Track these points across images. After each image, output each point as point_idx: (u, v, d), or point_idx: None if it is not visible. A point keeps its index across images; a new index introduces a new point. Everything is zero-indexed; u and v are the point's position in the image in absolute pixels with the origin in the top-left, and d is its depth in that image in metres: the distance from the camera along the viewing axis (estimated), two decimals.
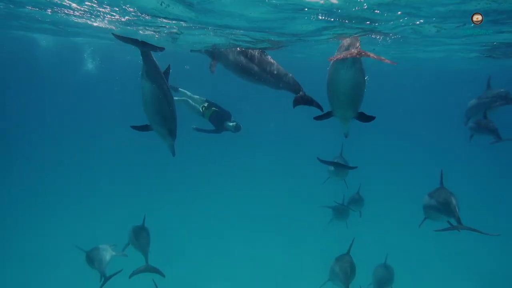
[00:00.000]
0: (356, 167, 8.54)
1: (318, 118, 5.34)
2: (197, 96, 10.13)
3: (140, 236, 7.32)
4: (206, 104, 9.90)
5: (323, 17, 7.42)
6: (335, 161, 9.55)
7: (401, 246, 13.95)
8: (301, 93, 6.54)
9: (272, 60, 6.85)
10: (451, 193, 6.50)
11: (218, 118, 9.82)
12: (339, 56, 4.54)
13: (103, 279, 7.11)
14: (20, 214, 16.62)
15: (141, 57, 5.27)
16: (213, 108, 9.86)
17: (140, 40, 4.96)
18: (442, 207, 6.33)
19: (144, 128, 5.71)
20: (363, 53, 4.42)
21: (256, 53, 6.91)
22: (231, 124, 9.78)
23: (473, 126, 9.48)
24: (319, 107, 6.15)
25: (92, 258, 7.41)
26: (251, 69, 6.77)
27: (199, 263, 13.79)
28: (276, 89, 6.85)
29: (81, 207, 17.87)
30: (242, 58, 6.89)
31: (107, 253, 7.56)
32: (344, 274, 6.51)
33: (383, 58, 4.38)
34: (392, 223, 16.83)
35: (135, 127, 5.79)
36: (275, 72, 6.71)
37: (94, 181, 20.96)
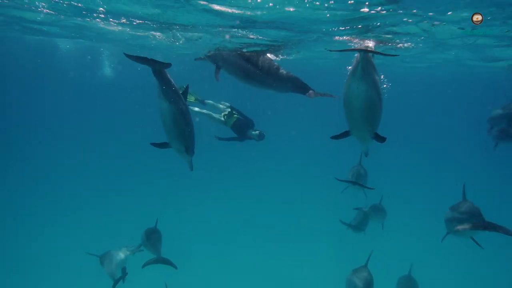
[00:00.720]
0: (373, 188, 8.38)
1: (335, 137, 5.11)
2: (221, 106, 10.03)
3: (152, 237, 7.48)
4: (227, 112, 9.80)
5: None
6: (354, 169, 9.35)
7: (421, 259, 13.51)
8: (310, 91, 6.52)
9: (276, 64, 6.81)
10: (475, 206, 6.30)
11: (241, 126, 9.71)
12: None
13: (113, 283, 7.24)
14: (29, 215, 16.86)
15: (155, 77, 5.32)
16: (235, 116, 9.76)
17: (149, 58, 4.96)
18: (465, 221, 6.06)
19: (163, 145, 5.83)
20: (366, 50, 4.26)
21: (260, 57, 6.86)
22: (254, 132, 9.67)
23: (497, 134, 9.33)
24: (331, 95, 6.22)
25: (103, 262, 7.67)
26: (255, 74, 6.71)
27: (206, 268, 13.77)
28: (283, 92, 6.80)
29: (87, 211, 17.94)
30: (245, 63, 6.82)
31: (118, 256, 7.76)
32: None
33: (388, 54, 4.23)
34: (410, 235, 16.38)
35: (154, 144, 5.90)
36: (280, 75, 6.66)
37: (101, 185, 21.01)
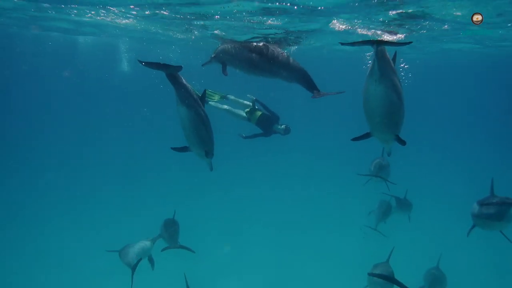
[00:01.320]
0: (395, 183, 8.19)
1: (356, 139, 4.98)
2: (245, 102, 9.97)
3: (170, 229, 7.65)
4: (249, 109, 9.75)
5: None
6: (376, 161, 9.25)
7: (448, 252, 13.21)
8: (315, 91, 6.44)
9: (283, 52, 6.78)
10: (503, 201, 6.09)
11: (266, 121, 9.65)
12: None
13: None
14: (31, 213, 17.09)
15: (170, 82, 5.43)
16: (259, 112, 9.71)
17: (162, 63, 5.08)
18: (494, 217, 6.01)
19: (183, 149, 6.01)
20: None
21: (265, 46, 6.84)
22: (280, 127, 9.65)
23: None
24: (338, 92, 6.12)
25: (122, 255, 7.79)
26: (262, 62, 6.65)
27: (221, 260, 13.90)
28: (290, 81, 6.71)
29: (92, 208, 18.06)
30: (251, 53, 6.78)
31: (137, 247, 7.88)
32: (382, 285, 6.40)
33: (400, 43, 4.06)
34: (436, 228, 16.02)
35: (175, 149, 6.11)
36: (288, 63, 6.61)
37: (112, 181, 21.13)
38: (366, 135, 4.83)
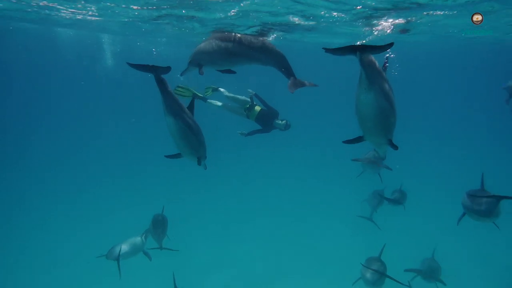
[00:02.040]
0: (391, 169, 8.19)
1: (348, 142, 4.98)
2: (242, 97, 9.73)
3: (157, 229, 7.84)
4: (248, 105, 9.56)
5: None
6: (371, 152, 9.33)
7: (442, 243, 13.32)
8: (292, 78, 6.31)
9: (259, 37, 6.86)
10: (492, 197, 6.22)
11: (266, 117, 9.49)
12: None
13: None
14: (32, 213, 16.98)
15: (160, 93, 5.45)
16: (258, 107, 9.54)
17: (151, 65, 5.13)
18: (483, 214, 6.20)
19: (176, 156, 6.10)
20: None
21: (239, 34, 6.79)
22: (281, 122, 9.50)
23: None
24: (313, 85, 6.13)
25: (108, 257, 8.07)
26: (239, 49, 6.57)
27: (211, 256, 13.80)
28: (269, 65, 6.60)
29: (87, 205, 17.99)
30: (226, 43, 6.67)
31: (122, 246, 8.18)
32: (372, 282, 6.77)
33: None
34: (430, 218, 16.12)
35: (168, 156, 6.20)
36: (265, 46, 6.56)
37: (106, 178, 21.07)
38: (359, 139, 4.85)
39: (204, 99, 9.42)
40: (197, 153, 5.84)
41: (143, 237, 8.59)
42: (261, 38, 6.82)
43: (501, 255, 13.44)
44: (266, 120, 9.45)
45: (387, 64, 4.59)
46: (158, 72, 5.29)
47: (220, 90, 9.64)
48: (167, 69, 5.26)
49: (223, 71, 7.12)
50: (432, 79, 37.63)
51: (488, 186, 6.63)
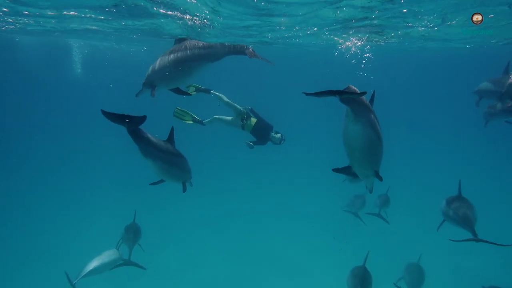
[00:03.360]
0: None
1: (337, 170, 5.05)
2: (238, 106, 9.49)
3: (129, 232, 8.20)
4: (245, 116, 9.39)
5: None
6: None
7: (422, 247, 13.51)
8: (247, 50, 6.45)
9: (197, 41, 6.78)
10: (469, 205, 6.61)
11: (262, 130, 9.38)
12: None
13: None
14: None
15: (133, 140, 5.24)
16: (253, 119, 9.41)
17: (126, 115, 4.83)
18: (460, 221, 6.46)
19: (160, 182, 6.12)
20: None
21: (184, 42, 6.75)
22: (276, 135, 9.44)
23: (489, 111, 9.53)
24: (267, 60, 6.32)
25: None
26: (191, 56, 6.55)
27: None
28: (225, 56, 6.64)
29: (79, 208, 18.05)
30: (176, 55, 6.61)
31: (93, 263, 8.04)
32: None
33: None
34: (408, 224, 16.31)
35: (152, 184, 6.20)
36: (212, 45, 6.60)
37: (94, 181, 21.07)
38: (347, 168, 4.94)
39: (201, 123, 9.29)
40: (182, 179, 5.92)
41: (118, 248, 8.50)
42: (201, 42, 6.82)
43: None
44: (262, 132, 9.36)
45: (373, 98, 4.71)
46: (132, 124, 5.03)
47: (212, 93, 9.36)
48: (142, 120, 5.04)
49: (178, 93, 7.07)
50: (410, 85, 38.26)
51: (465, 193, 6.93)
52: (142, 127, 5.27)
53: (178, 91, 7.07)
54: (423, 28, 12.47)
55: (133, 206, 9.52)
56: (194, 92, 8.93)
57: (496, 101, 9.25)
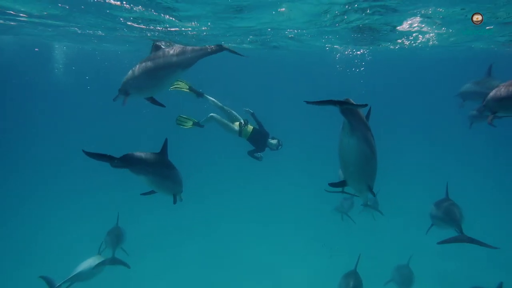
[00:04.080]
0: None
1: (332, 185, 5.13)
2: (235, 113, 9.43)
3: (111, 235, 8.37)
4: (242, 122, 9.30)
5: None
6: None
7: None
8: (218, 47, 6.35)
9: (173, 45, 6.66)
10: (456, 205, 6.85)
11: (260, 136, 9.28)
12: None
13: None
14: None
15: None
16: (250, 126, 9.33)
17: (108, 155, 4.86)
18: (448, 220, 6.69)
19: (151, 192, 6.14)
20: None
21: (161, 49, 6.60)
22: (273, 142, 9.38)
23: (474, 114, 9.71)
24: (239, 54, 6.35)
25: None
26: (168, 62, 6.40)
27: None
28: (203, 58, 6.52)
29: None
30: (150, 62, 6.50)
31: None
32: None
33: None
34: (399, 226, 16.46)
35: (143, 194, 6.21)
36: (188, 48, 6.44)
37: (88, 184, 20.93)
38: (342, 183, 5.01)
39: (199, 125, 9.20)
40: (174, 191, 5.91)
41: (100, 253, 8.53)
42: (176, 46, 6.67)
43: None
44: (260, 139, 9.28)
45: (369, 114, 4.78)
46: (114, 163, 5.00)
47: (206, 97, 9.26)
48: (125, 161, 5.07)
49: (153, 102, 6.97)
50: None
51: (452, 195, 7.17)
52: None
53: (152, 100, 6.95)
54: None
55: (118, 209, 9.53)
56: (187, 90, 8.87)
57: (480, 103, 9.45)
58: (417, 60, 24.09)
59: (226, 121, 9.27)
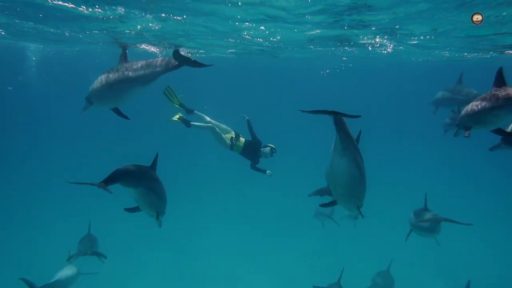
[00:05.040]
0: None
1: (324, 205, 5.51)
2: (224, 125, 9.20)
3: (83, 242, 8.70)
4: (233, 135, 9.07)
5: None
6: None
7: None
8: (177, 62, 6.23)
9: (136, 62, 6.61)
10: (435, 215, 7.23)
11: (253, 147, 9.06)
12: None
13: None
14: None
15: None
16: (241, 139, 9.09)
17: (97, 184, 4.78)
18: (427, 233, 7.15)
19: (135, 209, 5.99)
20: None
21: (125, 63, 6.61)
22: (266, 150, 9.14)
23: (448, 121, 9.91)
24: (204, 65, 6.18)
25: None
26: (134, 76, 6.38)
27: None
28: (168, 72, 6.44)
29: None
30: (110, 75, 6.50)
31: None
32: None
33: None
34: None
35: (127, 210, 6.07)
36: (152, 61, 6.40)
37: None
38: (333, 203, 5.27)
39: (187, 124, 8.80)
40: (157, 209, 5.84)
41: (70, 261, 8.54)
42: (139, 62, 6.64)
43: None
44: (253, 151, 9.08)
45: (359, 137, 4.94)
46: (109, 182, 4.95)
47: (196, 113, 9.09)
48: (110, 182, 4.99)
49: (118, 114, 6.95)
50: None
51: (430, 205, 7.57)
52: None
53: (117, 112, 6.90)
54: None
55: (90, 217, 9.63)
56: (176, 106, 8.73)
57: (453, 109, 9.75)
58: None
59: (220, 133, 9.04)
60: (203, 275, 13.22)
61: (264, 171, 9.14)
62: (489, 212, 17.93)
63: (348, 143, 4.40)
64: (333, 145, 4.48)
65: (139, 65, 6.40)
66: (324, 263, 13.00)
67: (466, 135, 5.77)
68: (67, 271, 8.24)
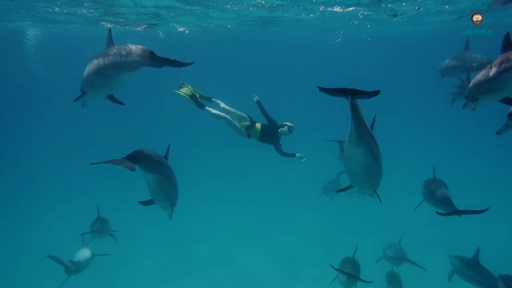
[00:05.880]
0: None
1: (340, 190, 5.80)
2: (239, 112, 8.92)
3: (96, 223, 9.36)
4: (248, 123, 8.80)
5: None
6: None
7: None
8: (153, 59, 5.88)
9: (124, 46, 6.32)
10: (445, 186, 7.22)
11: (271, 131, 8.79)
12: None
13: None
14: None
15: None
16: (258, 125, 8.79)
17: (118, 160, 4.65)
18: (440, 204, 6.95)
19: (150, 202, 5.98)
20: None
21: (112, 49, 6.31)
22: (284, 130, 8.83)
23: (456, 90, 9.58)
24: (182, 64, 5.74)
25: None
26: (116, 63, 6.13)
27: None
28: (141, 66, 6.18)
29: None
30: (98, 60, 6.30)
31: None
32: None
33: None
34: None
35: (142, 203, 6.05)
36: (131, 48, 6.10)
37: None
38: (349, 187, 5.43)
39: (201, 106, 8.55)
40: (171, 201, 5.85)
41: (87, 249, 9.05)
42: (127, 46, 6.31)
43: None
44: (271, 135, 8.82)
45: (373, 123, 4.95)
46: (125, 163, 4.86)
47: (214, 101, 8.88)
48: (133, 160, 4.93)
49: (112, 101, 6.82)
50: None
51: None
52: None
53: (111, 98, 6.79)
54: None
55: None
56: (187, 97, 8.44)
57: (460, 77, 9.52)
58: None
59: (235, 123, 8.77)
60: (208, 257, 13.42)
61: (293, 155, 8.92)
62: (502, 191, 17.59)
63: (363, 132, 4.32)
64: (348, 134, 4.39)
65: (125, 50, 6.09)
66: (335, 241, 12.91)
67: (472, 108, 5.68)
68: (85, 252, 8.82)
